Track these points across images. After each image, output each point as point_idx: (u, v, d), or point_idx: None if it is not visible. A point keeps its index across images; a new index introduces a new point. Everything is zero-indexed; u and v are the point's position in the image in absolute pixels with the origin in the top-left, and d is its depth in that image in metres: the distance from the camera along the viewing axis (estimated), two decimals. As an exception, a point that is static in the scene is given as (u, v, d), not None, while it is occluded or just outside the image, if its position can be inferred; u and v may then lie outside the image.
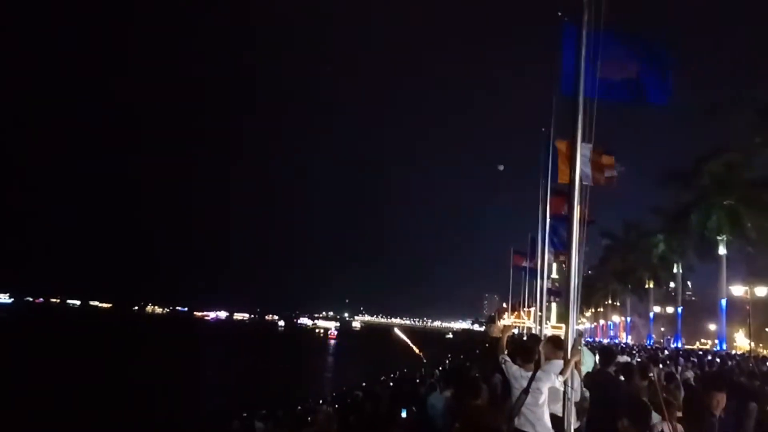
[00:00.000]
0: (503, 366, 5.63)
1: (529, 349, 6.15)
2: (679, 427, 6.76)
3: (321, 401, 19.57)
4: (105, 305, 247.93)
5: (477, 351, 31.17)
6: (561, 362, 5.54)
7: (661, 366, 14.30)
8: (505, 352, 5.92)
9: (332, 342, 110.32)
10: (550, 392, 5.64)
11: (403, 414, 9.66)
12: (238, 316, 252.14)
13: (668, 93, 6.15)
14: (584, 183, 5.70)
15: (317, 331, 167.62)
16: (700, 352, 31.76)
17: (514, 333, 42.11)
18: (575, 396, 5.46)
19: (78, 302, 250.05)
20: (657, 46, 6.22)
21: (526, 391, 5.28)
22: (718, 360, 20.67)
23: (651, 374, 7.24)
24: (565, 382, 5.35)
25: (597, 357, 7.43)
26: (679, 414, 6.91)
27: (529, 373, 5.37)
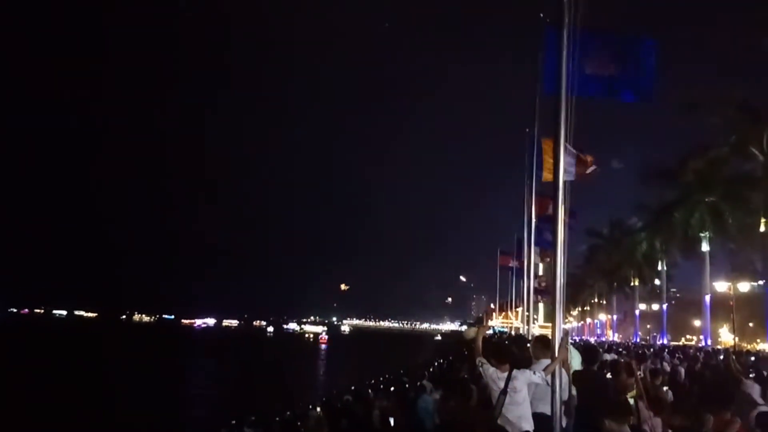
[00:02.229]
0: (480, 369, 5.63)
1: (501, 349, 6.16)
2: (669, 422, 6.83)
3: (311, 406, 19.46)
4: (90, 315, 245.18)
5: (465, 352, 31.18)
6: (549, 361, 5.58)
7: (649, 362, 14.46)
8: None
9: (323, 346, 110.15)
10: (539, 391, 5.67)
11: (392, 420, 9.65)
12: (226, 322, 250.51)
13: (651, 92, 6.23)
14: (566, 179, 5.74)
15: (306, 336, 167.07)
16: (680, 349, 32.06)
17: (498, 334, 42.36)
18: (563, 394, 5.50)
19: (65, 312, 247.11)
20: (639, 46, 6.29)
21: (504, 392, 5.31)
22: (702, 354, 20.93)
23: (638, 372, 7.32)
24: (552, 379, 5.38)
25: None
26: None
27: (506, 374, 5.40)
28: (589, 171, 6.97)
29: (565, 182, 5.67)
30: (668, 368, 14.21)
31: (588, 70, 5.89)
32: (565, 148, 5.62)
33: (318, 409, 16.16)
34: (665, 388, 7.91)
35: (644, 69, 6.11)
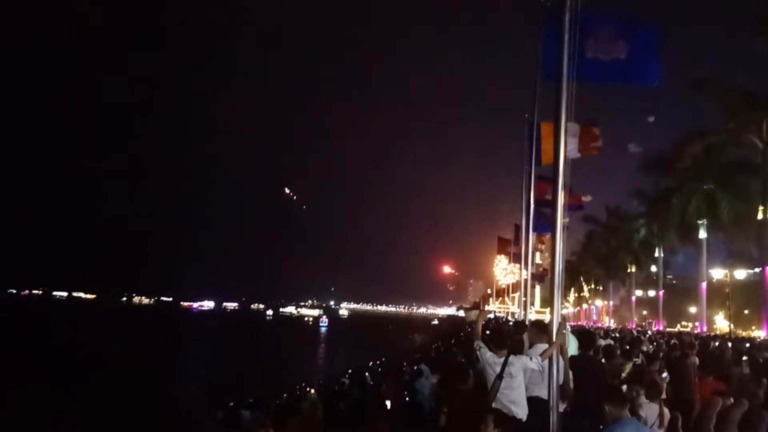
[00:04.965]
0: (478, 353, 5.65)
1: (501, 335, 6.19)
2: (665, 409, 6.87)
3: (308, 389, 19.60)
4: (90, 296, 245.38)
5: (462, 336, 31.39)
6: (545, 346, 5.59)
7: (644, 349, 14.51)
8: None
9: (323, 327, 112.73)
10: (535, 376, 5.69)
11: (389, 402, 9.71)
12: (225, 305, 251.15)
13: (657, 74, 6.16)
14: (570, 157, 5.69)
15: (306, 319, 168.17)
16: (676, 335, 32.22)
17: (494, 318, 42.57)
18: (560, 379, 5.52)
19: (65, 294, 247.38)
20: (644, 28, 6.22)
21: (500, 377, 5.35)
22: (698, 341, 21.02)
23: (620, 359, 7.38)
24: (549, 364, 5.40)
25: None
26: (664, 396, 7.03)
27: (502, 359, 5.42)
28: (592, 145, 6.91)
29: (565, 167, 5.63)
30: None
31: (589, 53, 5.83)
32: (569, 128, 5.57)
33: (312, 391, 16.27)
34: (664, 375, 7.97)
35: (648, 51, 6.04)
